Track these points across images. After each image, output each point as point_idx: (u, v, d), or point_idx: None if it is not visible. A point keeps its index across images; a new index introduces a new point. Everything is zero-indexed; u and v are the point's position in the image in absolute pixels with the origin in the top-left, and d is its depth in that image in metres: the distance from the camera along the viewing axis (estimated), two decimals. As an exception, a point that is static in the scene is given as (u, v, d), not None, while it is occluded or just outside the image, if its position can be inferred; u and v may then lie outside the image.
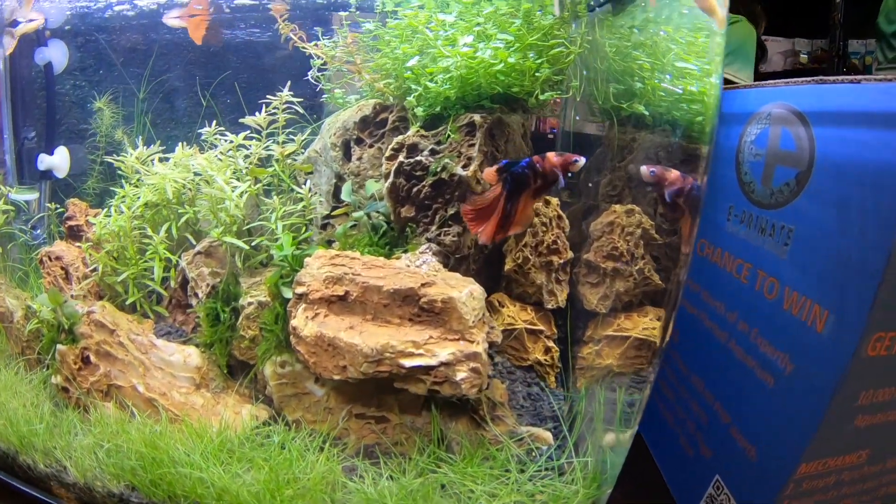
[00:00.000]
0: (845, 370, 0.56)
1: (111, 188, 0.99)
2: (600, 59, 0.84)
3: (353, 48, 0.83)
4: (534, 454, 0.72)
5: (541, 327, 0.81)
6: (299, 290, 0.72)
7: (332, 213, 0.84)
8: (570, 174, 0.71)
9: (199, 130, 0.91)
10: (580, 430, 0.75)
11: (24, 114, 1.01)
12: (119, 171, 0.90)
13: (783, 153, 0.71)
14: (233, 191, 0.78)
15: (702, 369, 0.81)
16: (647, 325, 0.83)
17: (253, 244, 0.79)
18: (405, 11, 0.83)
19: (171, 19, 0.95)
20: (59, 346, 0.78)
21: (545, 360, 0.81)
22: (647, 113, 0.82)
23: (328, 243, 0.85)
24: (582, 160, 0.70)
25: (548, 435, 0.74)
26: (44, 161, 0.98)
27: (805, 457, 0.61)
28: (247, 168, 0.84)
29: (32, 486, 0.79)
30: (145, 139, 0.93)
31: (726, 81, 0.75)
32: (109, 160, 0.90)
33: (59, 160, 0.98)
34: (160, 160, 0.89)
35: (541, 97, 0.80)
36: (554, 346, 0.81)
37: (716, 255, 0.81)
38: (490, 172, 0.69)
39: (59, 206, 0.97)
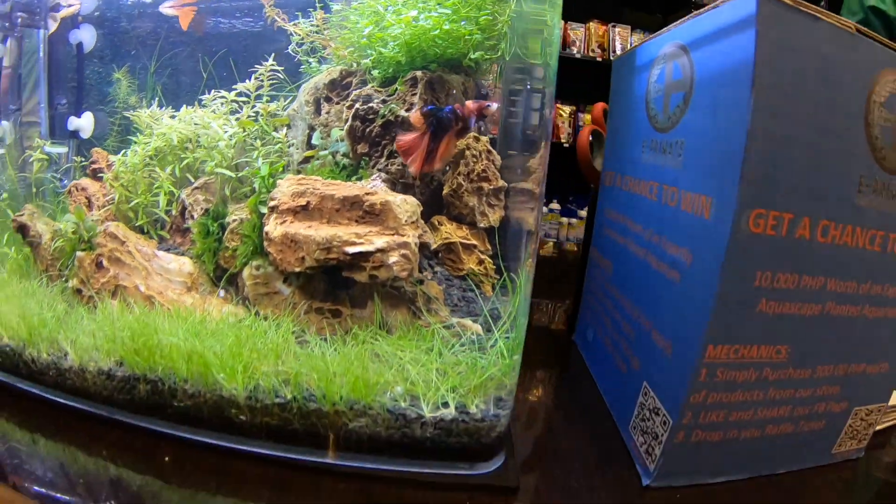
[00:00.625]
0: (728, 245, 0.63)
1: (127, 144, 1.21)
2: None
3: (323, 25, 1.05)
4: (462, 339, 0.89)
5: (474, 242, 0.99)
6: (271, 203, 0.91)
7: (306, 156, 1.04)
8: (483, 117, 0.91)
9: (200, 97, 1.13)
10: (506, 324, 0.92)
11: (57, 85, 1.25)
12: (134, 127, 1.12)
13: (675, 82, 0.85)
14: (224, 133, 0.99)
15: (630, 290, 0.92)
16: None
17: (239, 177, 0.99)
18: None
19: (166, 8, 1.18)
20: (77, 253, 0.98)
21: (479, 269, 0.99)
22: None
23: (300, 179, 1.05)
24: (494, 105, 0.90)
25: (476, 326, 0.92)
26: (72, 122, 1.21)
27: (710, 338, 0.66)
28: (236, 120, 1.06)
29: (33, 383, 0.96)
30: (157, 103, 1.15)
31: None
32: (126, 115, 1.13)
33: (85, 122, 1.21)
34: (169, 117, 1.11)
35: (472, 56, 1.01)
36: (488, 259, 0.99)
37: (636, 186, 0.95)
38: (416, 115, 0.89)
39: (83, 160, 1.20)
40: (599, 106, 1.28)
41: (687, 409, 0.70)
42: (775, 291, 0.67)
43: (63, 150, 1.20)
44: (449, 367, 0.83)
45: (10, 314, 0.99)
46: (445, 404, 0.79)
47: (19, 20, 1.24)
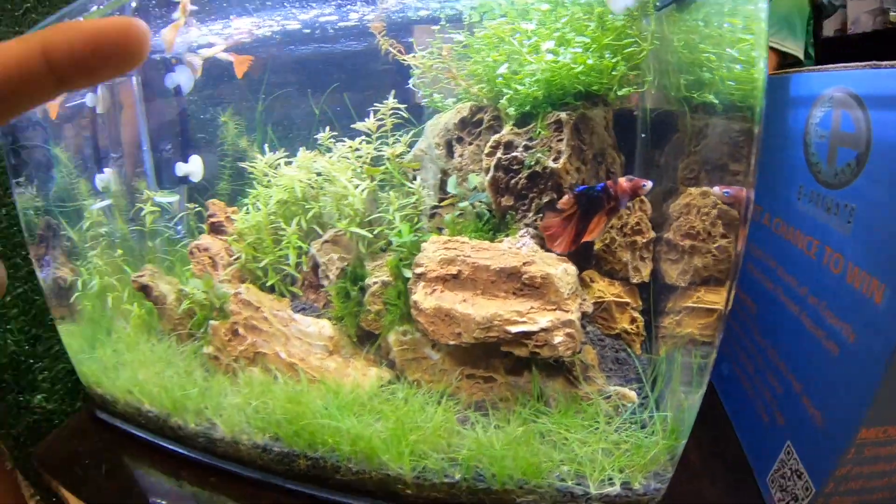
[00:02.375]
0: None
1: (240, 188, 1.24)
2: (670, 53, 0.99)
3: (448, 58, 1.02)
4: (620, 409, 0.90)
5: (627, 300, 0.98)
6: (418, 270, 0.92)
7: (440, 204, 1.04)
8: (636, 196, 0.89)
9: (316, 136, 1.13)
10: (661, 389, 0.92)
11: (159, 130, 1.27)
12: (250, 175, 1.14)
13: (844, 135, 0.82)
14: (355, 188, 0.99)
15: (777, 341, 0.93)
16: (722, 298, 0.98)
17: (375, 233, 1.00)
18: (490, 23, 1.01)
19: (221, 53, 1.17)
20: (211, 322, 1.02)
21: (631, 329, 0.98)
22: (716, 101, 0.97)
23: (438, 230, 1.05)
24: (650, 184, 0.89)
25: (632, 394, 0.92)
26: (180, 168, 1.24)
27: (865, 422, 0.69)
28: (362, 167, 1.06)
29: (180, 444, 1.03)
30: (269, 146, 1.16)
31: (776, 52, 0.86)
32: (242, 165, 1.14)
33: (193, 167, 1.23)
34: (286, 163, 1.12)
35: (619, 93, 0.97)
36: (639, 316, 0.98)
37: (789, 233, 0.93)
38: (567, 199, 0.89)
39: (196, 206, 1.23)
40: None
41: (831, 481, 0.74)
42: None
43: (174, 198, 1.24)
44: (613, 445, 0.84)
45: (149, 382, 1.05)
46: (611, 481, 0.81)
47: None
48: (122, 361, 1.13)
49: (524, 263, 0.87)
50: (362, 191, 1.00)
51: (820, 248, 0.83)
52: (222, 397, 1.00)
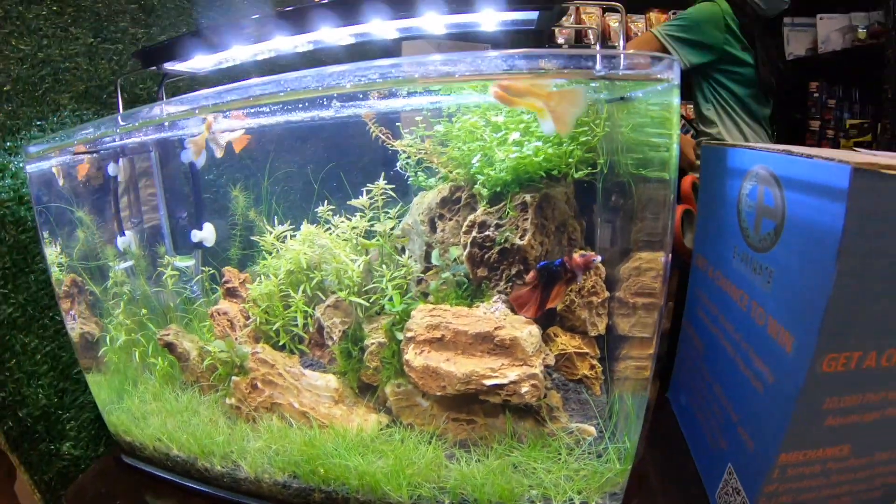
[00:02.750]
0: (804, 382, 0.79)
1: (248, 255, 1.42)
2: (619, 136, 1.19)
3: (430, 146, 1.21)
4: (580, 442, 1.09)
5: (586, 350, 1.17)
6: (409, 334, 1.11)
7: (424, 273, 1.23)
8: (589, 269, 1.09)
9: (316, 210, 1.31)
10: (614, 424, 1.11)
11: (175, 200, 1.44)
12: (259, 245, 1.32)
13: (766, 208, 0.99)
14: (353, 263, 1.18)
15: (720, 378, 1.11)
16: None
17: (371, 301, 1.18)
18: (464, 117, 1.20)
19: (222, 135, 1.35)
20: (233, 378, 1.20)
21: (591, 374, 1.18)
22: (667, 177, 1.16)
23: (423, 295, 1.24)
24: (599, 258, 1.09)
25: (591, 428, 1.11)
26: (195, 235, 1.41)
27: (783, 448, 0.84)
28: (357, 240, 1.24)
29: (206, 484, 1.20)
30: (275, 217, 1.34)
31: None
32: (253, 239, 1.32)
33: (207, 234, 1.41)
34: (290, 236, 1.30)
35: (576, 175, 1.16)
36: (597, 363, 1.18)
37: (727, 286, 1.11)
38: (532, 275, 1.10)
39: (210, 269, 1.40)
40: (688, 180, 1.42)
41: (762, 497, 0.88)
42: (841, 410, 0.83)
43: (191, 262, 1.41)
44: (573, 472, 1.03)
45: (178, 430, 1.23)
46: (571, 501, 1.00)
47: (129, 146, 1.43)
48: (149, 411, 1.30)
49: (496, 328, 1.07)
50: (359, 265, 1.18)
51: (749, 301, 1.00)
52: (245, 442, 1.17)
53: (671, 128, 0.91)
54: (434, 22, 1.28)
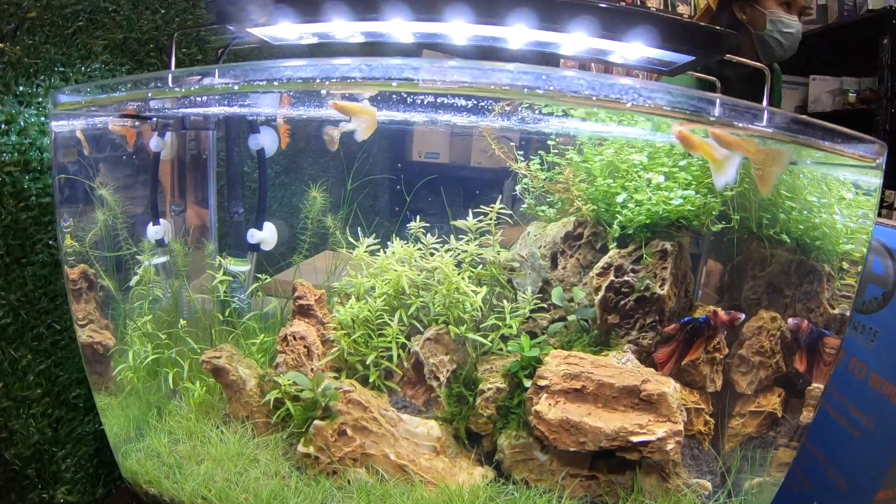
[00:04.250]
0: None
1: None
2: (753, 193, 1.18)
3: (569, 174, 1.13)
4: (699, 497, 1.08)
5: (703, 406, 1.15)
6: (541, 382, 1.02)
7: (536, 310, 1.14)
8: (731, 328, 1.07)
9: (408, 225, 1.19)
10: (733, 480, 1.11)
11: (233, 192, 1.24)
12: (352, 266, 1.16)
13: (874, 275, 1.10)
14: (475, 294, 1.07)
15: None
16: (774, 401, 1.20)
17: (490, 339, 1.08)
18: (606, 150, 1.14)
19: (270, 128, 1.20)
20: (316, 422, 1.03)
21: (704, 430, 1.15)
22: (788, 240, 1.17)
23: (532, 334, 1.15)
24: (743, 317, 1.07)
25: (708, 484, 1.09)
26: (254, 235, 1.22)
27: (883, 485, 0.99)
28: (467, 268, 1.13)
29: None
30: (357, 228, 1.19)
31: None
32: (339, 250, 1.16)
33: (267, 234, 1.22)
34: (375, 252, 1.16)
35: (712, 228, 1.14)
36: (711, 419, 1.16)
37: None
38: (674, 327, 1.06)
39: (266, 276, 1.22)
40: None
41: None
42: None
43: (245, 267, 1.22)
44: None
45: (231, 485, 1.02)
46: None
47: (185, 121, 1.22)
48: (183, 454, 1.08)
49: (643, 382, 1.01)
50: (481, 297, 1.08)
51: (846, 356, 1.11)
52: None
53: (868, 208, 0.94)
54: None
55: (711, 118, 0.79)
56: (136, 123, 1.14)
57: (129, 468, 1.11)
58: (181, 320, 1.16)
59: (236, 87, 0.96)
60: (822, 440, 1.13)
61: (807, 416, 1.12)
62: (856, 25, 3.32)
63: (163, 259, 1.21)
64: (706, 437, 1.16)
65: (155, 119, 1.14)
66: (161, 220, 1.22)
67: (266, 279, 1.21)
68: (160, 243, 1.23)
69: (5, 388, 1.07)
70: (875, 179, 0.96)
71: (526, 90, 0.81)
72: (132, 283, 1.21)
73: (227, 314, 1.18)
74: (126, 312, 1.21)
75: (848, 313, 1.08)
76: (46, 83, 1.12)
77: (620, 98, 0.75)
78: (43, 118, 1.09)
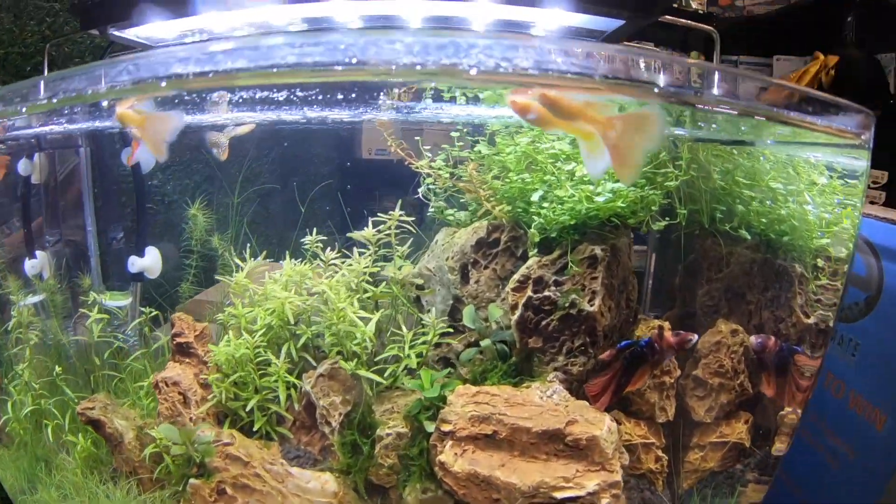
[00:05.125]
0: None
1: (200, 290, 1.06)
2: (703, 181, 0.95)
3: (475, 174, 0.91)
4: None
5: (653, 440, 0.93)
6: (445, 427, 0.81)
7: (448, 334, 0.93)
8: (682, 351, 0.85)
9: (302, 240, 0.99)
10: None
11: (109, 214, 1.06)
12: (219, 278, 0.97)
13: (854, 277, 0.88)
14: (362, 321, 0.87)
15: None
16: (740, 429, 0.97)
17: (386, 374, 0.88)
18: (521, 139, 0.92)
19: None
20: (191, 481, 0.85)
21: (656, 468, 0.93)
22: (748, 237, 0.94)
23: (445, 361, 0.94)
24: (695, 338, 0.85)
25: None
26: (135, 263, 1.03)
27: None
28: (356, 286, 0.93)
29: None
30: (245, 247, 0.99)
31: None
32: (218, 278, 0.97)
33: (150, 261, 1.04)
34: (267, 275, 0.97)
35: (653, 227, 0.91)
36: (664, 455, 0.94)
37: None
38: (610, 353, 0.84)
39: (151, 309, 1.03)
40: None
41: None
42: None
43: (125, 301, 1.03)
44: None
45: None
46: None
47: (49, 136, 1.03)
48: None
49: (567, 423, 0.80)
50: (371, 326, 0.87)
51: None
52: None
53: (855, 196, 0.70)
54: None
55: (549, 74, 0.55)
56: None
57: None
58: (56, 367, 0.97)
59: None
60: (795, 470, 0.95)
61: (780, 447, 0.89)
62: (820, 4, 3.02)
63: (39, 297, 1.03)
64: (659, 475, 0.94)
65: (6, 142, 0.95)
66: (38, 253, 1.04)
67: (151, 312, 1.01)
68: (40, 278, 1.05)
69: None
70: (860, 161, 0.73)
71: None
72: (9, 326, 1.03)
73: (107, 356, 1.00)
74: (4, 359, 1.04)
75: (831, 323, 0.85)
76: None
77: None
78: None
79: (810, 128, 0.72)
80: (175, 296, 1.06)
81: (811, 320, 0.87)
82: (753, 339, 0.89)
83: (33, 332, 1.04)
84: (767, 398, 0.94)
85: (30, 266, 1.05)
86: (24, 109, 0.74)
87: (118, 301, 1.02)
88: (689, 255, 1.02)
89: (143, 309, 1.03)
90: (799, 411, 0.87)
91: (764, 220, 0.91)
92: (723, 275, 0.97)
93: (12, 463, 1.06)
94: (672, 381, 0.92)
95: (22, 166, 1.02)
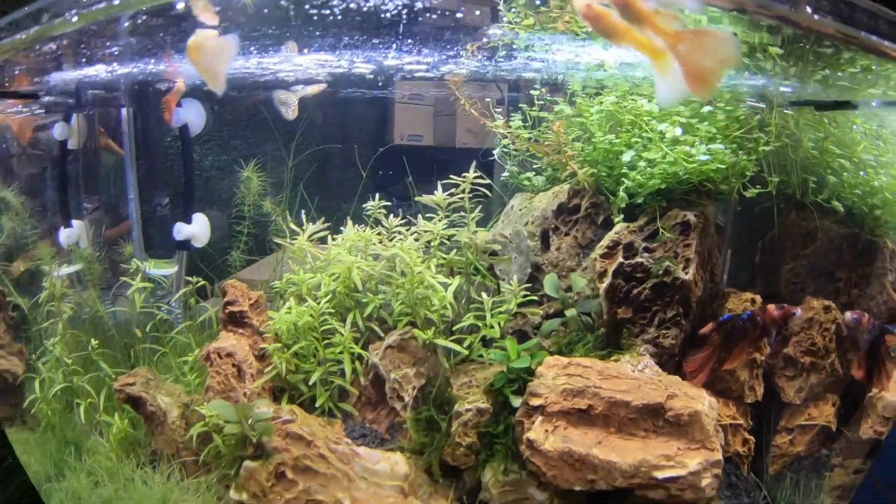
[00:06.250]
0: None
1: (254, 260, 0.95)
2: (793, 151, 0.87)
3: (561, 132, 0.82)
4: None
5: (741, 421, 0.83)
6: (535, 402, 0.71)
7: (525, 304, 0.83)
8: (785, 325, 0.76)
9: (365, 205, 0.89)
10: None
11: (153, 179, 0.95)
12: (275, 245, 0.86)
13: None
14: (445, 287, 0.77)
15: None
16: (828, 411, 0.88)
17: (466, 345, 0.78)
18: (606, 99, 0.83)
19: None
20: (246, 463, 0.73)
21: (743, 451, 0.84)
22: (841, 209, 0.85)
23: (520, 334, 0.84)
24: (799, 311, 0.77)
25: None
26: (181, 230, 0.93)
27: None
28: (427, 252, 0.83)
29: None
30: (300, 214, 0.89)
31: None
32: (278, 241, 0.86)
33: (198, 229, 0.93)
34: (322, 239, 0.86)
35: (746, 193, 0.82)
36: (751, 437, 0.84)
37: None
38: (709, 327, 0.76)
39: (198, 279, 0.92)
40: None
41: None
42: None
43: (171, 269, 0.92)
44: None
45: None
46: None
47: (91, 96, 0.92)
48: (106, 498, 0.81)
49: (668, 398, 0.70)
50: (451, 291, 0.77)
51: None
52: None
53: None
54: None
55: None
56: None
57: (54, 507, 0.84)
58: (92, 341, 0.85)
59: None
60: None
61: (866, 429, 0.80)
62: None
63: (75, 268, 0.91)
64: (745, 459, 0.84)
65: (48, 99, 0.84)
66: (74, 222, 0.93)
67: (198, 282, 0.90)
68: (77, 248, 0.94)
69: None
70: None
71: None
72: (40, 298, 0.91)
73: (149, 329, 0.88)
74: (34, 334, 0.92)
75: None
76: None
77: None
78: None
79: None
80: (223, 266, 0.95)
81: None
82: (848, 315, 0.79)
83: (67, 304, 0.92)
84: (855, 380, 0.85)
85: (65, 235, 0.94)
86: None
87: (163, 270, 0.91)
88: (773, 229, 0.93)
89: (188, 279, 0.92)
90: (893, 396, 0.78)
91: (858, 191, 0.83)
92: (809, 251, 0.89)
93: (38, 447, 0.96)
94: (761, 358, 0.83)
95: (58, 130, 0.91)
